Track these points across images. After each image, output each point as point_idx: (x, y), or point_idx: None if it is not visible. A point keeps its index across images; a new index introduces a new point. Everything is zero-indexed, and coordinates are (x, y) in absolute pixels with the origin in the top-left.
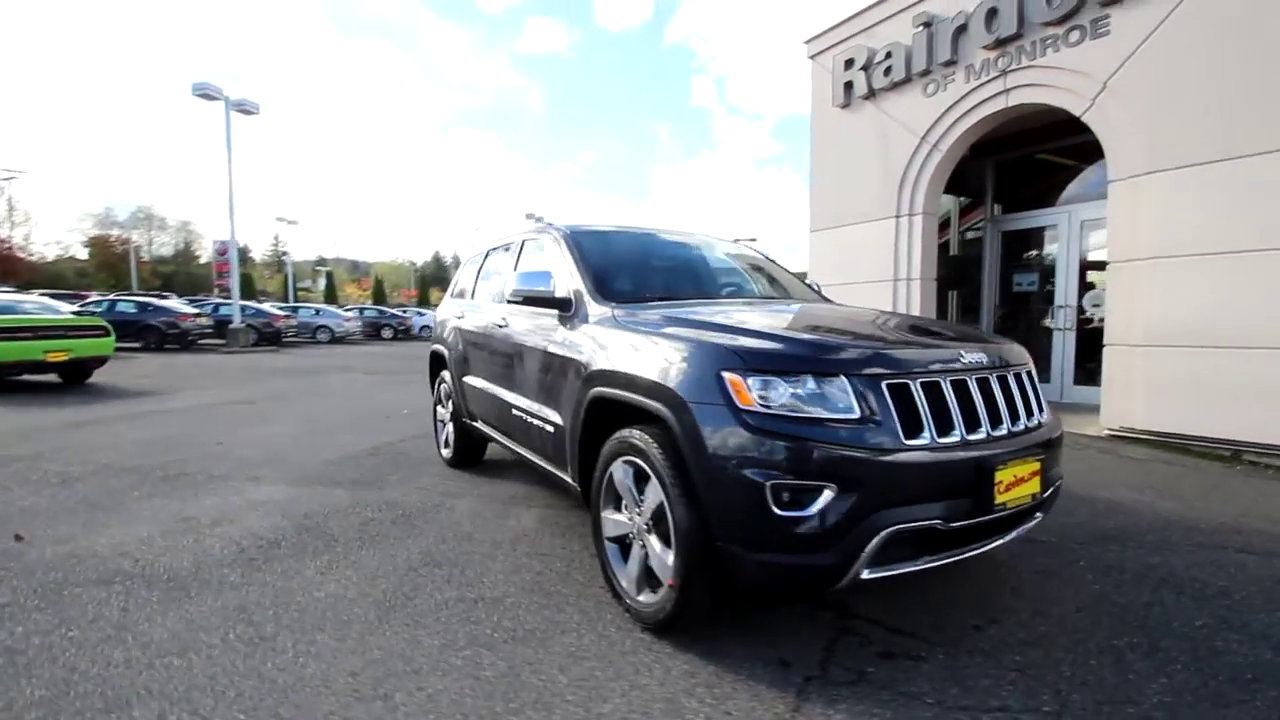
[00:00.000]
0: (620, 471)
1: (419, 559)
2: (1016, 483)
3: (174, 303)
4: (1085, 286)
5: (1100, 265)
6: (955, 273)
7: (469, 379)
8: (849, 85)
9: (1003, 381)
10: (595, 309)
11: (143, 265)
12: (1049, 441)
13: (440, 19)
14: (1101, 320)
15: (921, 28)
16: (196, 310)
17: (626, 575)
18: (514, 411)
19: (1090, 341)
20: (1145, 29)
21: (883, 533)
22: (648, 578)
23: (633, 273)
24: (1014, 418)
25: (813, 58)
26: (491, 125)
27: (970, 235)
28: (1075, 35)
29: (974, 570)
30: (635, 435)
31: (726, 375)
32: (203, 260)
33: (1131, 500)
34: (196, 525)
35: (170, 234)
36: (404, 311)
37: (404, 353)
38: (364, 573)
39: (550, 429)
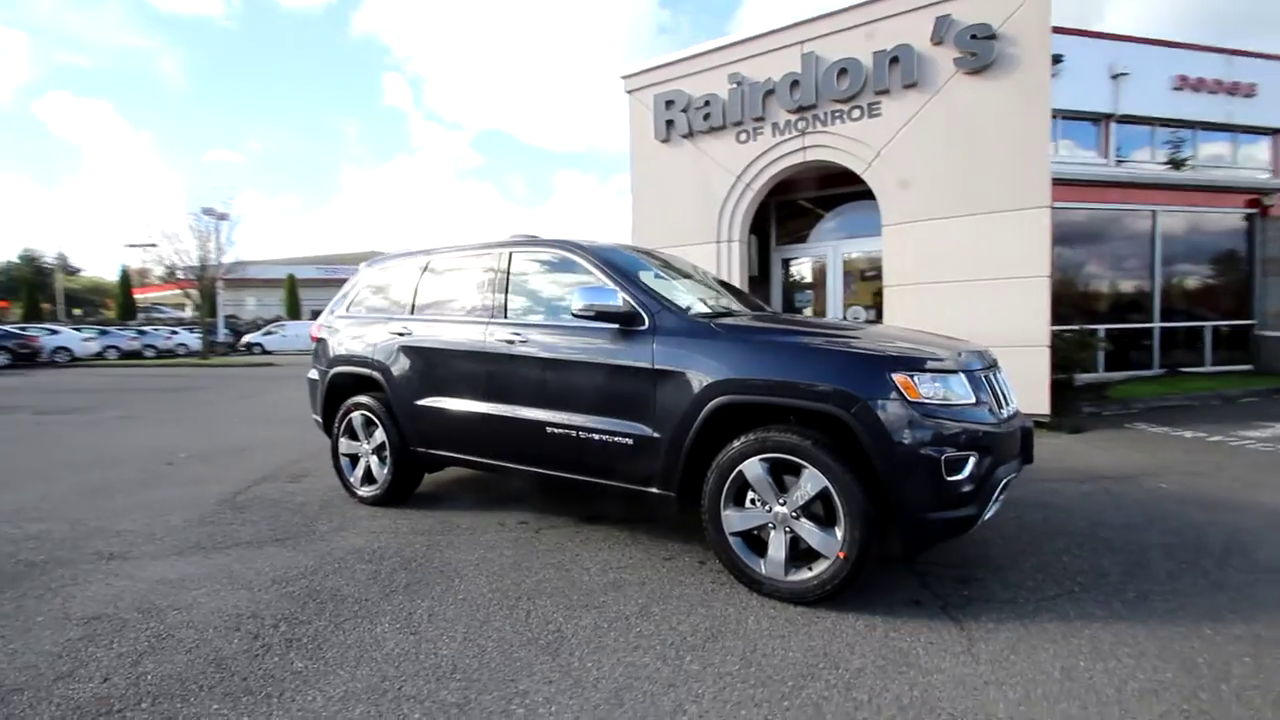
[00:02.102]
0: (757, 468)
1: (499, 597)
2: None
3: None
4: (848, 303)
5: (857, 285)
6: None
7: (431, 401)
8: (670, 123)
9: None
10: (677, 322)
11: None
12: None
13: None
14: None
15: (735, 85)
16: None
17: (769, 562)
18: (550, 430)
19: None
20: (905, 116)
21: (1001, 483)
22: (795, 559)
23: (665, 287)
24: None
25: (630, 93)
26: (108, 93)
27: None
28: (857, 113)
29: None
30: (781, 434)
31: (895, 376)
32: None
33: None
34: (127, 623)
35: None
36: (21, 329)
37: (53, 384)
38: (459, 623)
39: (628, 442)
